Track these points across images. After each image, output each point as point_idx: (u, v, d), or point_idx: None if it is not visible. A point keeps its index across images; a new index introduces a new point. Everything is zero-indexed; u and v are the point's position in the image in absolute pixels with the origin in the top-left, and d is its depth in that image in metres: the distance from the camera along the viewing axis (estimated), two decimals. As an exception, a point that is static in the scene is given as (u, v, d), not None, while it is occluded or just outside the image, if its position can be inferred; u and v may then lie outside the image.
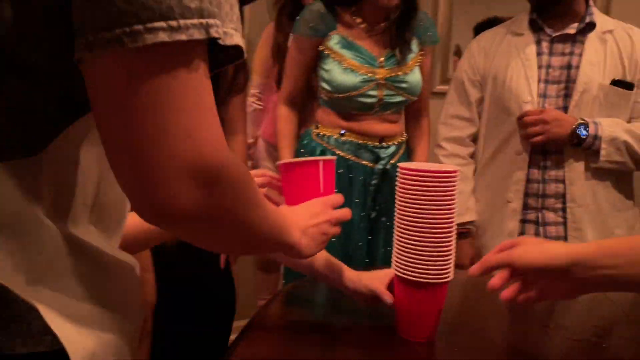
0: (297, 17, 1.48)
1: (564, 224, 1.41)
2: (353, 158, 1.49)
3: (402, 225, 0.76)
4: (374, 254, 1.52)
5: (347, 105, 1.46)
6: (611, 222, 1.41)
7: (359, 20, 1.44)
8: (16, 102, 0.42)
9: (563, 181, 1.40)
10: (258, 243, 0.55)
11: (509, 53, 1.46)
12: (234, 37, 0.42)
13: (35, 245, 0.43)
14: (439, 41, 1.63)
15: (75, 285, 0.45)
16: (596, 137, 1.34)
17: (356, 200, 1.49)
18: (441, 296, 0.77)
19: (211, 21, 0.39)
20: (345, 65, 1.42)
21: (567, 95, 1.41)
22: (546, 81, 1.42)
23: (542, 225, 1.44)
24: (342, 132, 1.49)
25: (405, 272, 0.76)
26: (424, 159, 1.60)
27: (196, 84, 0.40)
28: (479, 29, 1.92)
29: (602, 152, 1.34)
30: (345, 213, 0.75)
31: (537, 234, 1.45)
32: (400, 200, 0.76)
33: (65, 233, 0.45)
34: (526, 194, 1.44)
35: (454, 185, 0.74)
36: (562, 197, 1.40)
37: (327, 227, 0.70)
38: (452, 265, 0.76)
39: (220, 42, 0.41)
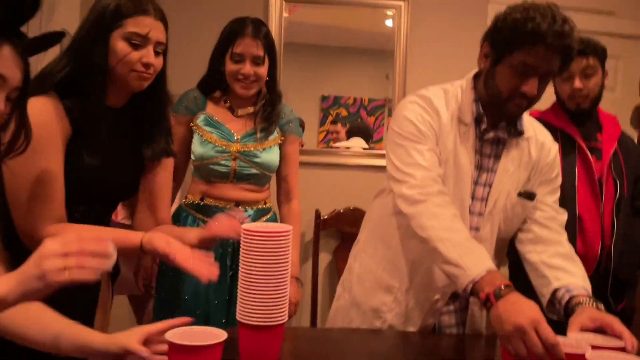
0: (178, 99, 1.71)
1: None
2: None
3: (245, 278, 0.90)
4: (232, 314, 1.62)
5: (206, 172, 1.66)
6: None
7: (227, 104, 1.70)
8: None
9: None
10: None
11: (455, 141, 1.32)
12: None
13: None
14: (301, 136, 1.86)
15: None
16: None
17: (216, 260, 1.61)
18: (279, 336, 0.92)
19: None
20: (204, 138, 1.64)
21: (485, 199, 1.34)
22: (476, 183, 1.35)
23: None
24: (202, 197, 1.68)
25: (248, 318, 0.89)
26: (296, 239, 1.76)
27: None
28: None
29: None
30: None
31: None
32: (243, 257, 0.90)
33: None
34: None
35: (286, 242, 0.90)
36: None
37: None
38: (285, 309, 0.91)
39: None
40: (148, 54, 1.13)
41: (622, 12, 2.82)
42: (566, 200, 1.78)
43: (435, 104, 1.33)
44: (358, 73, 2.82)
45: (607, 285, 1.83)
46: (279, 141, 1.73)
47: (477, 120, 1.33)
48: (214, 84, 1.70)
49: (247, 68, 1.60)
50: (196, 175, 1.72)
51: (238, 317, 0.91)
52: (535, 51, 1.18)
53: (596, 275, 1.82)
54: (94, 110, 1.12)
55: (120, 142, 1.23)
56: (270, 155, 1.69)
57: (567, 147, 1.83)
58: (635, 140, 2.21)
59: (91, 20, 1.14)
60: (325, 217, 2.67)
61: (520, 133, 1.35)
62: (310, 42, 2.77)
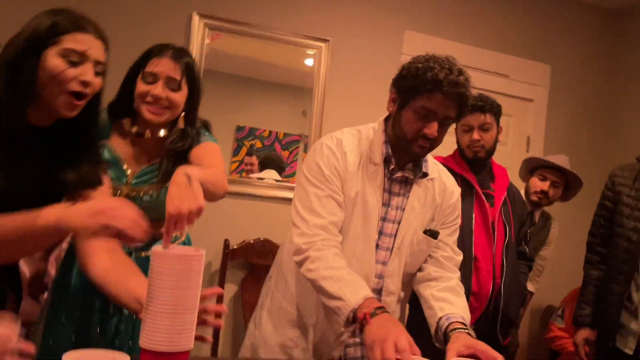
0: None
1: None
2: None
3: (152, 301, 0.86)
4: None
5: None
6: None
7: (134, 129, 1.45)
8: None
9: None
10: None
11: (363, 180, 1.40)
12: None
13: None
14: (216, 141, 1.56)
15: None
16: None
17: None
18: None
19: None
20: None
21: (393, 235, 1.42)
22: (385, 219, 1.41)
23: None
24: None
25: (152, 344, 0.85)
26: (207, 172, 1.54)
27: None
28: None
29: None
30: None
31: None
32: (151, 279, 0.87)
33: None
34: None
35: (198, 266, 0.88)
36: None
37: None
38: (192, 336, 0.88)
39: None
40: (86, 72, 1.04)
41: (514, 75, 3.17)
42: (464, 240, 1.94)
43: (345, 146, 1.41)
44: (275, 107, 2.86)
45: (497, 322, 1.98)
46: None
47: (386, 161, 1.41)
48: (124, 109, 1.47)
49: (159, 89, 1.39)
50: None
51: (141, 343, 0.87)
52: (434, 97, 1.30)
53: (487, 313, 1.97)
54: (3, 127, 1.02)
55: (35, 164, 1.10)
56: (160, 199, 1.44)
57: (466, 192, 1.98)
58: (522, 191, 2.46)
59: (24, 38, 1.03)
60: (235, 247, 2.63)
61: (425, 174, 1.45)
62: (230, 72, 2.78)
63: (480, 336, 1.90)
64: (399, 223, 1.42)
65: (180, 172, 1.08)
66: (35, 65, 1.02)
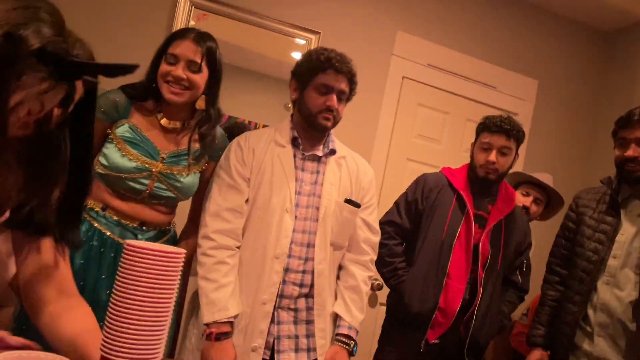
0: None
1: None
2: (109, 233, 1.47)
3: (118, 304, 0.74)
4: None
5: (118, 184, 1.46)
6: None
7: (159, 114, 1.53)
8: None
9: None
10: None
11: (271, 161, 1.59)
12: None
13: None
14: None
15: None
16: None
17: (103, 277, 1.44)
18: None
19: None
20: (123, 153, 1.44)
21: (316, 207, 1.60)
22: (299, 193, 1.59)
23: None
24: (104, 207, 1.47)
25: (114, 353, 0.73)
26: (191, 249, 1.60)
27: None
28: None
29: None
30: None
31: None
32: (120, 277, 0.74)
33: None
34: (280, 296, 1.53)
35: (177, 266, 0.76)
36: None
37: None
38: (162, 346, 0.76)
39: None
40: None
41: (502, 88, 3.13)
42: (441, 254, 1.90)
43: (251, 141, 1.63)
44: (257, 98, 2.75)
45: (465, 344, 1.93)
46: (203, 167, 1.60)
47: (295, 144, 1.63)
48: (149, 90, 1.52)
49: (180, 70, 1.46)
50: (101, 181, 1.48)
51: (101, 351, 0.74)
52: (328, 73, 1.58)
53: (457, 330, 1.91)
54: None
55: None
56: (193, 182, 1.55)
57: (458, 208, 1.94)
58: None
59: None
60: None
61: (332, 151, 1.67)
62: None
63: (445, 353, 1.88)
64: (315, 195, 1.61)
65: None
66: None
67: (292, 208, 1.56)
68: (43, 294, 0.92)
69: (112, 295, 0.75)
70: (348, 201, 1.64)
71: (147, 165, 1.45)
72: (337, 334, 1.61)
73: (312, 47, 2.66)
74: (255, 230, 1.56)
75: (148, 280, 0.74)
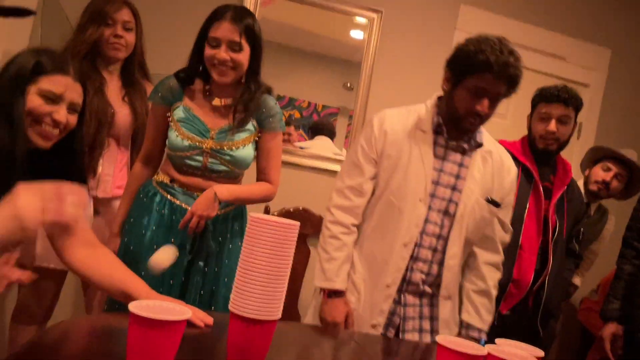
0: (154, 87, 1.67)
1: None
2: (178, 202, 1.60)
3: (246, 267, 0.85)
4: (185, 297, 1.57)
5: (178, 162, 1.61)
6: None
7: (211, 95, 1.62)
8: None
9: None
10: None
11: (410, 146, 1.54)
12: None
13: None
14: (284, 130, 1.71)
15: None
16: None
17: (172, 241, 1.57)
18: (270, 332, 0.88)
19: None
20: (177, 134, 1.58)
21: (450, 201, 1.54)
22: (437, 183, 1.54)
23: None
24: (172, 180, 1.63)
25: (243, 309, 0.84)
26: (242, 189, 1.67)
27: None
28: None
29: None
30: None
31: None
32: (246, 245, 0.86)
33: None
34: (406, 281, 1.55)
35: (293, 237, 0.87)
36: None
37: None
38: (281, 303, 0.87)
39: None
40: (59, 111, 1.13)
41: (572, 59, 3.04)
42: (514, 227, 1.92)
43: (387, 122, 1.58)
44: (316, 78, 2.81)
45: (538, 314, 1.96)
46: (256, 138, 1.66)
47: (438, 132, 1.55)
48: (195, 73, 1.62)
49: (222, 53, 1.53)
50: (168, 159, 1.66)
51: (231, 307, 0.86)
52: (485, 78, 1.43)
53: (527, 303, 1.95)
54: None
55: None
56: (244, 154, 1.62)
57: (525, 180, 1.95)
58: (581, 183, 2.38)
59: (8, 76, 1.11)
60: (275, 214, 2.62)
61: (479, 144, 1.57)
62: (273, 40, 2.72)
63: (518, 324, 1.92)
64: (455, 189, 1.54)
65: (211, 190, 1.54)
66: (24, 101, 1.10)
67: (426, 197, 1.52)
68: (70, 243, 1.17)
69: (240, 260, 0.87)
70: (489, 200, 1.57)
71: (197, 144, 1.57)
72: (468, 336, 1.58)
73: (375, 27, 2.72)
74: (386, 214, 1.55)
75: (268, 246, 0.85)
